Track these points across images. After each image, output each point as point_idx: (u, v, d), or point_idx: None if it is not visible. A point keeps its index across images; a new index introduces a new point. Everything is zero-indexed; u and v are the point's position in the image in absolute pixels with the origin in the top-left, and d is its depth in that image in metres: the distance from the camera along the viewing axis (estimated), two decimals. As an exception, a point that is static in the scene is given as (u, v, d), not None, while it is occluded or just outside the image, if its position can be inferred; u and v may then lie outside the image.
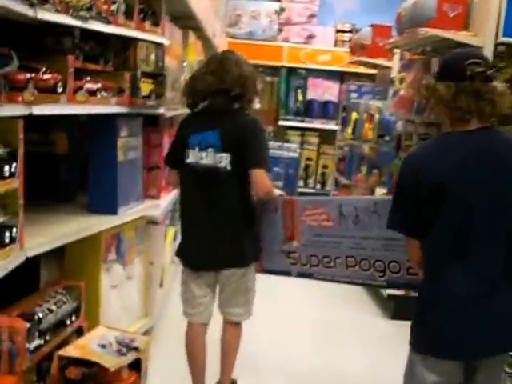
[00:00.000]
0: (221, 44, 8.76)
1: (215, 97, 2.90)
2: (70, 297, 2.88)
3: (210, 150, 2.88)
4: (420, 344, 2.22)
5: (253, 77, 2.98)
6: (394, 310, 4.67)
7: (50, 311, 2.66)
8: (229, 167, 2.87)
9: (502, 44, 4.27)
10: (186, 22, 5.07)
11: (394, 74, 6.06)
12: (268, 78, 9.99)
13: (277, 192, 3.07)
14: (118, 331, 2.94)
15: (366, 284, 3.24)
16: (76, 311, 2.91)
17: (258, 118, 3.04)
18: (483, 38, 4.29)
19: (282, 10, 9.99)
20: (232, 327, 3.13)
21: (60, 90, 2.55)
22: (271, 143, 7.32)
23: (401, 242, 2.51)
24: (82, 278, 3.04)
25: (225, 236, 2.94)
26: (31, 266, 2.77)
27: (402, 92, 5.26)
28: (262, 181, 2.85)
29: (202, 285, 3.03)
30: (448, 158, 2.14)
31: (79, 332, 2.92)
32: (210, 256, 2.97)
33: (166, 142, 4.22)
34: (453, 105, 2.15)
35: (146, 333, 3.65)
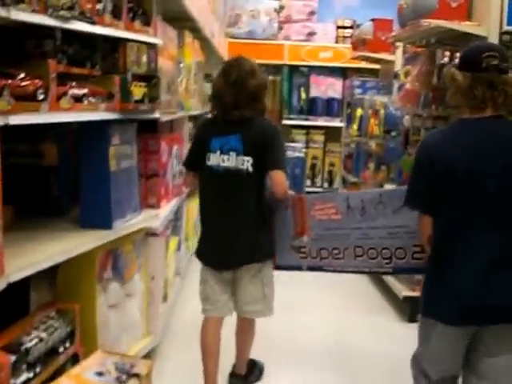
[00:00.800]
0: (221, 44, 8.57)
1: (237, 106, 3.07)
2: (63, 321, 2.66)
3: (232, 153, 3.05)
4: (429, 309, 2.45)
5: (265, 84, 3.24)
6: (411, 312, 4.50)
7: (40, 339, 2.43)
8: (250, 169, 3.04)
9: (507, 33, 4.21)
10: (183, 22, 4.89)
11: (398, 67, 5.88)
12: (270, 77, 9.80)
13: (290, 192, 3.20)
14: (117, 356, 2.72)
15: (373, 272, 3.37)
16: (70, 336, 2.69)
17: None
18: (487, 27, 4.23)
19: (282, 7, 9.82)
20: (247, 323, 3.34)
21: (41, 97, 2.33)
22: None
23: (406, 229, 2.85)
24: (77, 299, 2.83)
25: (243, 234, 3.09)
26: (20, 289, 2.57)
27: (407, 86, 5.09)
28: (282, 182, 3.03)
29: (221, 282, 3.20)
30: (461, 142, 2.35)
31: (75, 359, 2.70)
32: (230, 255, 3.12)
33: (165, 148, 4.02)
34: (469, 93, 2.34)
35: (150, 353, 3.45)
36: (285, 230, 3.22)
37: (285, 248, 3.23)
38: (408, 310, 4.54)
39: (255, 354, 3.65)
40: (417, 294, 4.41)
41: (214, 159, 3.09)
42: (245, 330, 3.38)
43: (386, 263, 3.03)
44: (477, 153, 2.32)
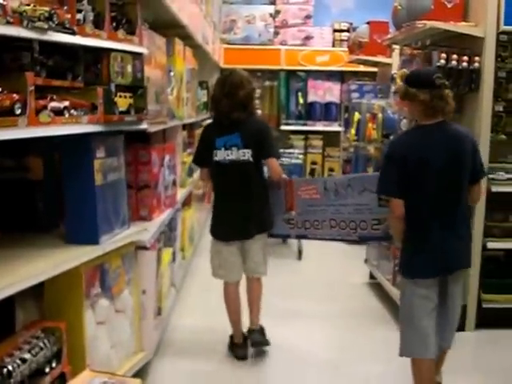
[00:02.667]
0: (216, 50, 8.52)
1: (232, 112, 3.76)
2: (49, 340, 2.59)
3: (233, 148, 3.77)
4: (412, 271, 3.15)
5: (253, 91, 3.89)
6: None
7: (23, 361, 2.36)
8: (250, 159, 3.78)
9: (504, 33, 4.18)
10: (173, 30, 4.82)
11: (395, 70, 5.78)
12: (267, 83, 9.78)
13: (283, 175, 4.02)
14: (106, 375, 2.64)
15: (344, 240, 4.30)
16: (57, 356, 2.62)
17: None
18: (484, 27, 4.18)
19: (278, 12, 9.77)
20: (257, 281, 4.02)
21: (18, 111, 2.26)
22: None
23: (367, 206, 3.77)
24: (64, 316, 2.75)
25: (251, 211, 3.82)
26: (5, 307, 2.51)
27: (404, 89, 4.98)
28: (276, 167, 3.87)
29: (233, 251, 3.89)
30: (425, 141, 3.09)
31: (62, 379, 2.62)
32: (242, 228, 3.84)
33: (156, 159, 3.95)
34: (429, 105, 3.07)
35: (142, 370, 3.36)
36: (278, 206, 4.00)
37: (278, 220, 4.02)
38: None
39: (252, 363, 3.64)
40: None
41: (220, 155, 3.78)
42: (255, 288, 4.02)
43: (353, 232, 3.88)
44: (438, 148, 3.06)
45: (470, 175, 3.13)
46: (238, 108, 3.75)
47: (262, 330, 4.04)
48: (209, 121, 4.44)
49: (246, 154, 3.77)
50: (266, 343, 3.99)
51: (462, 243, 3.16)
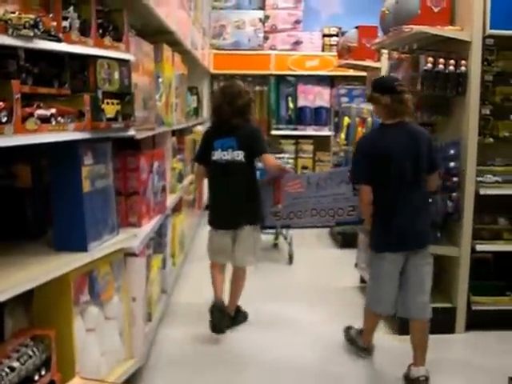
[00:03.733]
0: (205, 56, 8.53)
1: (231, 118, 4.33)
2: (38, 348, 2.57)
3: (229, 149, 4.35)
4: (380, 247, 3.75)
5: (249, 102, 4.46)
6: (401, 325, 4.31)
7: (12, 369, 2.36)
8: (243, 160, 4.34)
9: (490, 37, 4.21)
10: (161, 36, 4.83)
11: (383, 74, 5.80)
12: (257, 88, 9.77)
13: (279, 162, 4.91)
14: (95, 382, 2.66)
15: (324, 226, 5.76)
16: (46, 363, 2.60)
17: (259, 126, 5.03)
18: (470, 31, 4.21)
19: (267, 17, 9.78)
20: (241, 271, 4.59)
21: (4, 119, 2.25)
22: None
23: (344, 195, 4.40)
24: (53, 324, 2.74)
25: (241, 204, 4.37)
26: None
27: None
28: (270, 159, 4.50)
29: (224, 238, 4.45)
30: (388, 139, 3.66)
31: (51, 386, 2.62)
32: (233, 219, 4.39)
33: (145, 165, 3.95)
34: (390, 108, 3.64)
35: (132, 377, 3.36)
36: (267, 200, 4.51)
37: (267, 213, 4.54)
38: (398, 322, 4.39)
39: (241, 370, 3.61)
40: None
41: (217, 155, 4.38)
42: (238, 278, 4.58)
43: (332, 219, 4.59)
44: (398, 143, 3.62)
45: (427, 166, 3.68)
46: (236, 115, 4.32)
47: (235, 315, 4.58)
48: (207, 125, 5.49)
49: (240, 155, 4.32)
50: (227, 326, 4.40)
51: (421, 225, 3.70)
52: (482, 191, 4.24)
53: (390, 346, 4.23)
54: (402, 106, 3.61)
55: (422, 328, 3.69)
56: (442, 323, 4.31)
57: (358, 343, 4.09)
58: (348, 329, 4.26)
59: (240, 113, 4.33)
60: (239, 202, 4.34)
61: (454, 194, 4.29)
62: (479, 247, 4.32)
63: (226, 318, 4.34)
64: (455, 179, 4.29)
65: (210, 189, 4.60)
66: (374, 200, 3.66)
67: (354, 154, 3.86)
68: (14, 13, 2.31)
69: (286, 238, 6.48)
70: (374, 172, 3.62)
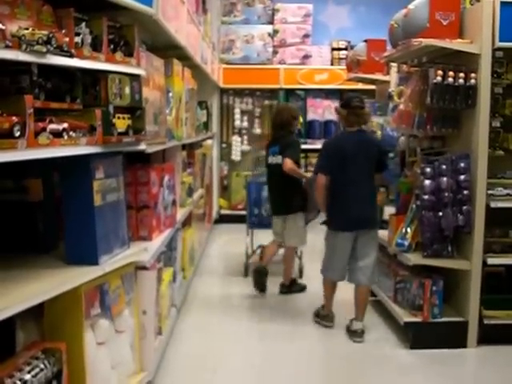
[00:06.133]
0: (215, 70, 8.57)
1: (278, 131, 5.82)
2: (50, 361, 2.58)
3: (276, 154, 5.71)
4: (335, 226, 4.71)
5: (291, 118, 5.82)
6: (413, 338, 4.40)
7: (24, 382, 2.36)
8: (280, 162, 5.60)
9: (499, 49, 4.23)
10: (172, 51, 4.87)
11: (393, 87, 5.81)
12: (266, 102, 9.82)
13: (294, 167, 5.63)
14: (106, 395, 2.64)
15: None
16: (57, 377, 2.61)
17: (297, 139, 6.13)
18: (480, 44, 4.21)
19: (276, 32, 9.84)
20: (288, 250, 5.94)
21: (18, 133, 2.28)
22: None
23: None
24: (64, 337, 2.75)
25: (283, 195, 5.71)
26: (6, 328, 2.50)
27: (401, 106, 5.01)
28: (287, 162, 5.51)
29: (277, 222, 5.84)
30: (346, 142, 4.67)
31: (62, 400, 2.62)
32: (280, 207, 5.79)
33: (155, 179, 3.97)
34: (348, 119, 4.69)
35: (143, 389, 3.36)
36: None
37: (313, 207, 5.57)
38: (410, 335, 4.42)
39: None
40: (418, 319, 4.35)
41: (270, 159, 5.80)
42: (286, 254, 5.96)
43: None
44: (352, 146, 4.60)
45: (376, 166, 4.64)
46: (278, 128, 5.80)
47: (289, 287, 5.87)
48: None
49: (280, 159, 5.59)
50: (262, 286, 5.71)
51: (369, 210, 4.67)
52: (493, 204, 4.23)
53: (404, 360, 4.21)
54: (355, 117, 4.65)
55: (364, 291, 4.73)
56: (454, 337, 4.30)
57: (321, 313, 4.97)
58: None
59: (281, 127, 5.75)
60: (280, 195, 5.73)
61: (465, 207, 4.27)
62: (490, 261, 4.29)
63: (265, 278, 5.67)
64: (466, 192, 4.26)
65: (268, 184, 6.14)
66: (333, 189, 4.64)
67: (321, 152, 4.84)
68: (27, 29, 2.35)
69: (296, 252, 6.47)
70: (333, 166, 4.60)
